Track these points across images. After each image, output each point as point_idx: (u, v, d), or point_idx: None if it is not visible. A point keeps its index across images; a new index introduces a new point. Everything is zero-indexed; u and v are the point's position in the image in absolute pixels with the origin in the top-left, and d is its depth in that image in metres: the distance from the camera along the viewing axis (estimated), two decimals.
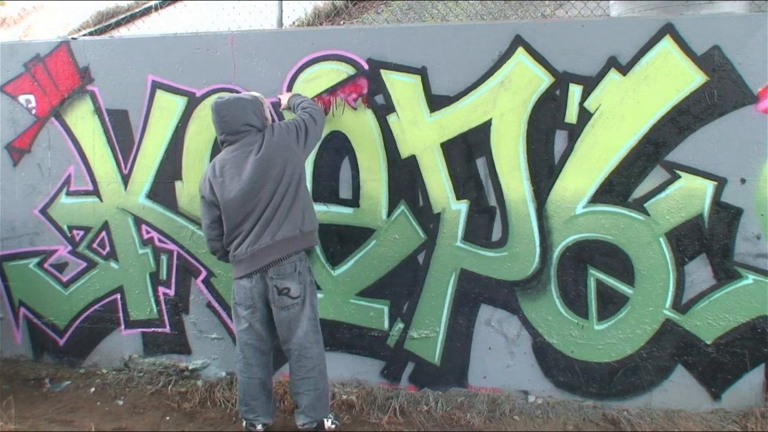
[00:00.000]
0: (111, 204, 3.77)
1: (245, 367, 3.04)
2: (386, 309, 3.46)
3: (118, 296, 3.82)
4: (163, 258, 3.73)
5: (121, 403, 3.53)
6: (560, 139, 3.22)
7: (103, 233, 3.80)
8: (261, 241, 2.87)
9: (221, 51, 3.56)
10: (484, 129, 3.28)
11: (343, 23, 6.37)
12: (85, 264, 3.85)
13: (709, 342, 3.16)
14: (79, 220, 3.83)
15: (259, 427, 3.04)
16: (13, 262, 3.96)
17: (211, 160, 3.58)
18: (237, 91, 3.51)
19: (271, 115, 3.23)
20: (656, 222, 3.17)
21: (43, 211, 3.87)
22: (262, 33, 3.60)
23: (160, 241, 3.72)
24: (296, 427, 3.06)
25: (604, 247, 3.23)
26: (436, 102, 3.30)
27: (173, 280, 3.73)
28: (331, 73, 3.42)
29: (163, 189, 3.69)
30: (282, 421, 3.27)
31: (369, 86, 3.37)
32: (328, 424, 3.00)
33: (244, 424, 3.08)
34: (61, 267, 3.88)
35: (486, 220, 3.32)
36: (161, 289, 3.76)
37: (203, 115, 3.59)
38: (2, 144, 3.91)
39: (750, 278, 3.11)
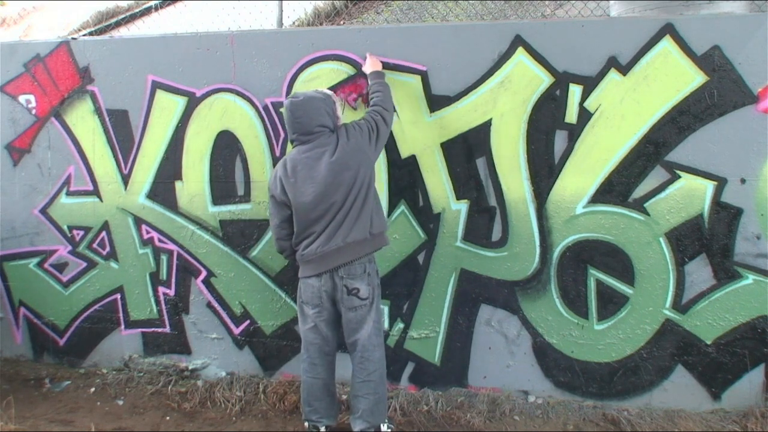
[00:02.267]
0: (111, 204, 3.77)
1: (310, 367, 3.00)
2: (386, 309, 3.45)
3: (118, 296, 3.82)
4: (163, 258, 3.73)
5: (121, 403, 3.53)
6: (560, 139, 3.22)
7: (103, 233, 3.80)
8: (332, 243, 2.84)
9: (221, 51, 3.56)
10: (484, 129, 3.28)
11: (343, 23, 6.38)
12: (85, 264, 3.85)
13: (709, 342, 3.16)
14: (79, 220, 3.83)
15: (322, 429, 3.00)
16: (13, 262, 3.96)
17: (212, 160, 3.60)
18: (237, 91, 3.52)
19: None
20: (656, 222, 3.17)
21: (43, 211, 3.87)
22: (262, 33, 3.60)
23: (160, 241, 3.72)
24: (296, 428, 3.06)
25: (604, 247, 3.23)
26: (436, 102, 3.30)
27: (173, 280, 3.73)
28: (331, 73, 3.42)
29: (163, 189, 3.69)
30: (282, 422, 3.27)
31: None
32: (384, 428, 2.94)
33: (306, 425, 3.04)
34: (61, 267, 3.88)
35: (486, 220, 3.32)
36: (161, 289, 3.76)
37: (203, 115, 3.59)
38: (2, 144, 3.91)
39: (750, 278, 3.11)
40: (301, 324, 3.04)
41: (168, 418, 3.37)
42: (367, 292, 2.89)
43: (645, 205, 3.17)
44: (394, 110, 3.08)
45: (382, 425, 2.93)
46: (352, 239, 2.85)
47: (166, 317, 3.76)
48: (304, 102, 2.92)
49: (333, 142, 2.89)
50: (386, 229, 3.02)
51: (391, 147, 3.36)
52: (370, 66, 3.23)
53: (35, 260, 3.92)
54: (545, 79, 3.20)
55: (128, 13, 7.42)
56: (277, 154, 3.51)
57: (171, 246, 3.71)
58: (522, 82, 3.21)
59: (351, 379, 2.98)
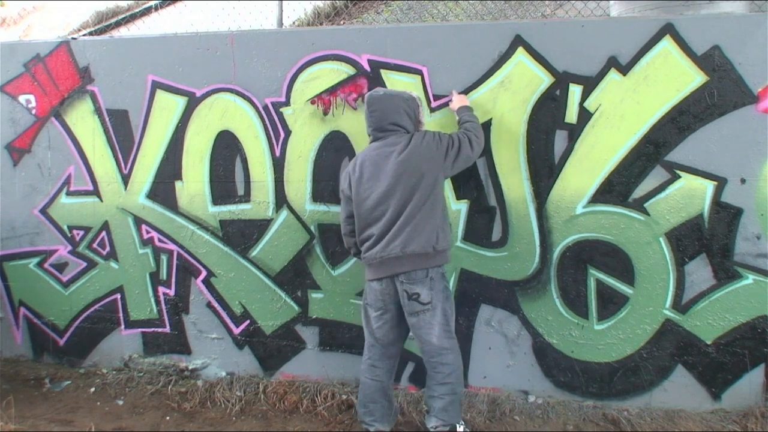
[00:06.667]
0: (111, 204, 3.77)
1: (369, 369, 2.97)
2: None
3: (118, 296, 3.82)
4: (163, 258, 3.73)
5: (121, 403, 3.53)
6: (560, 139, 3.22)
7: (103, 233, 3.80)
8: (390, 250, 2.78)
9: (221, 51, 3.56)
10: (484, 129, 3.26)
11: (343, 23, 6.37)
12: (85, 264, 3.85)
13: (709, 342, 3.16)
14: (79, 220, 3.83)
15: None
16: (13, 262, 3.96)
17: (212, 160, 3.60)
18: (237, 91, 3.52)
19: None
20: (656, 222, 3.17)
21: (43, 211, 3.87)
22: (262, 33, 3.60)
23: (160, 241, 3.72)
24: (295, 428, 3.05)
25: (604, 247, 3.23)
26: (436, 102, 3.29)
27: (173, 280, 3.73)
28: (331, 73, 3.42)
29: (163, 189, 3.69)
30: (282, 422, 3.27)
31: (369, 86, 3.37)
32: (460, 429, 2.87)
33: (362, 426, 3.02)
34: (61, 267, 3.88)
35: (486, 220, 3.32)
36: (161, 289, 3.76)
37: (203, 115, 3.59)
38: (2, 144, 3.91)
39: (750, 278, 3.10)
40: (364, 325, 3.02)
41: (168, 418, 3.37)
42: (428, 297, 2.79)
43: (645, 205, 3.17)
44: (482, 145, 3.03)
45: (457, 425, 2.87)
46: (412, 251, 2.76)
47: (166, 317, 3.76)
48: (382, 97, 2.92)
49: (404, 142, 2.84)
50: (450, 247, 2.95)
51: None
52: (457, 102, 3.16)
53: (35, 260, 3.92)
54: (545, 79, 3.20)
55: (128, 13, 7.42)
56: (277, 154, 3.51)
57: (171, 246, 3.71)
58: (522, 82, 3.21)
59: (427, 380, 2.94)
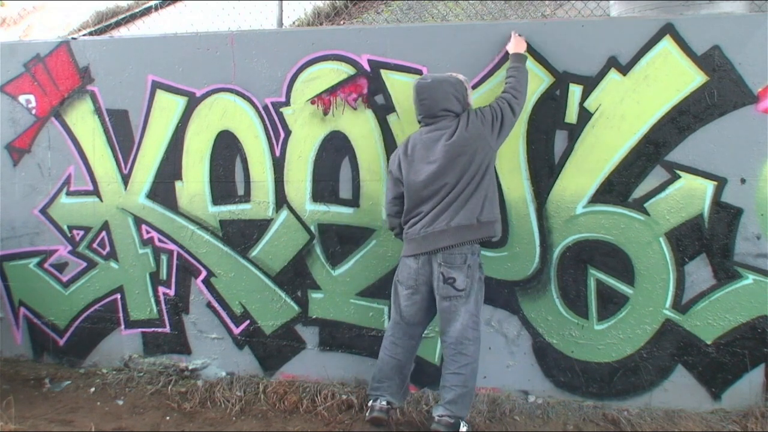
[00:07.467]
0: (111, 204, 3.77)
1: (390, 345, 3.01)
2: (386, 309, 3.45)
3: (118, 296, 3.82)
4: (163, 258, 3.73)
5: (121, 403, 3.53)
6: (560, 139, 3.22)
7: (103, 233, 3.80)
8: (436, 225, 2.84)
9: (221, 51, 3.56)
10: None
11: (343, 23, 6.37)
12: (85, 264, 3.84)
13: (709, 342, 3.16)
14: (79, 220, 3.83)
15: (384, 402, 2.96)
16: (13, 262, 3.95)
17: (212, 160, 3.60)
18: (237, 91, 3.52)
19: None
20: (656, 222, 3.17)
21: (43, 211, 3.87)
22: (262, 33, 3.60)
23: (160, 241, 3.72)
24: (295, 428, 3.05)
25: (604, 247, 3.23)
26: None
27: (173, 280, 3.73)
28: (331, 73, 3.42)
29: (163, 189, 3.69)
30: (282, 422, 3.27)
31: (369, 86, 3.37)
32: (463, 430, 2.86)
33: (370, 402, 3.00)
34: (61, 267, 3.88)
35: None
36: (161, 289, 3.76)
37: (203, 115, 3.59)
38: (2, 144, 3.91)
39: (750, 278, 3.10)
40: (392, 302, 3.06)
41: (168, 418, 3.36)
42: (464, 284, 2.85)
43: (645, 205, 3.17)
44: (524, 98, 3.02)
45: (461, 423, 2.87)
46: (457, 223, 2.82)
47: (166, 317, 3.76)
48: (430, 85, 2.95)
49: (453, 126, 2.90)
50: (497, 220, 2.97)
51: (391, 147, 3.36)
52: (513, 47, 3.11)
53: (35, 260, 3.91)
54: (545, 79, 3.20)
55: (128, 13, 7.42)
56: (277, 154, 3.51)
57: (171, 246, 3.71)
58: None
59: (443, 368, 2.96)
